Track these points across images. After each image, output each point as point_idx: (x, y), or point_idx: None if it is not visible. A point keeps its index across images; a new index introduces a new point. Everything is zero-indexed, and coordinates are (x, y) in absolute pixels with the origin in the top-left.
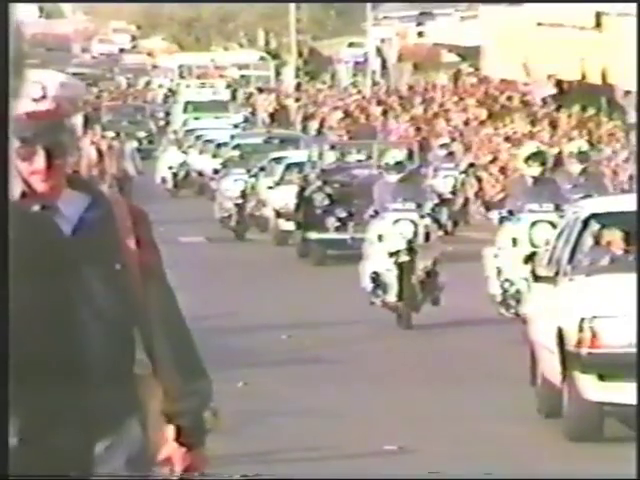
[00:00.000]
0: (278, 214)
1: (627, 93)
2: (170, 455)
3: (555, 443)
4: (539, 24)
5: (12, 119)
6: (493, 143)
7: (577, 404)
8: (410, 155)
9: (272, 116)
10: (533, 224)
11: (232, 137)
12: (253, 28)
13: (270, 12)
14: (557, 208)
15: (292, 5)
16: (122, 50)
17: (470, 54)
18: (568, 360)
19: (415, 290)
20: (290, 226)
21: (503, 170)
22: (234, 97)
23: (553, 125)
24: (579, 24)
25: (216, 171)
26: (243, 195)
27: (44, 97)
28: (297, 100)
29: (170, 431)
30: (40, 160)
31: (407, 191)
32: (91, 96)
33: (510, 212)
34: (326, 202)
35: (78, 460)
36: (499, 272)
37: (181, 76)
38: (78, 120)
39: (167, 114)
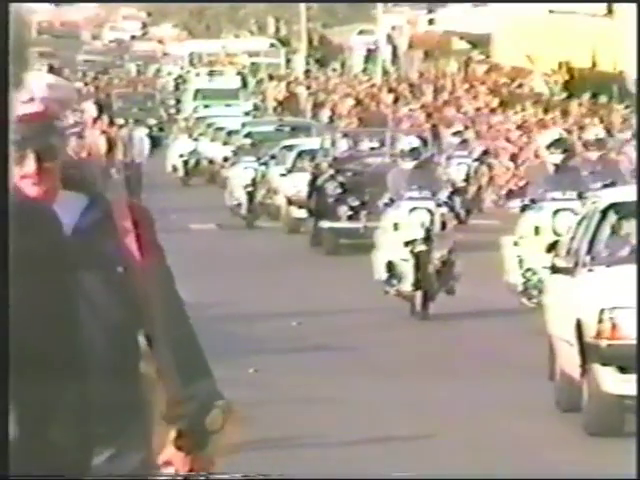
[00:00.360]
0: (290, 202)
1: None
2: (170, 459)
3: (573, 438)
4: (550, 11)
5: (12, 119)
6: (503, 131)
7: (597, 398)
8: (425, 143)
9: (282, 104)
10: (556, 212)
11: (243, 125)
12: (263, 15)
13: None
14: (580, 196)
15: None
16: (133, 37)
17: (481, 42)
18: (587, 352)
19: (431, 279)
20: (302, 214)
21: (514, 158)
22: (245, 85)
23: (564, 113)
24: (590, 11)
25: (226, 159)
26: (254, 183)
27: (32, 99)
28: (308, 88)
29: (170, 434)
30: (30, 164)
31: (422, 179)
32: (102, 83)
33: (532, 200)
34: (338, 191)
35: (76, 459)
36: (520, 261)
37: (191, 63)
38: (91, 108)
39: (178, 102)
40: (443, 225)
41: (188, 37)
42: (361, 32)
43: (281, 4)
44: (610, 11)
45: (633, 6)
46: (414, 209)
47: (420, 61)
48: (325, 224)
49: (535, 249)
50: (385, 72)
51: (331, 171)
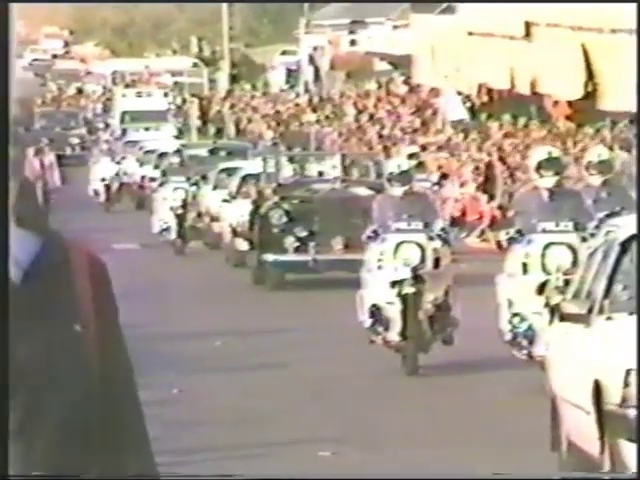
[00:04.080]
0: (235, 232)
1: (555, 103)
2: None
3: None
4: (470, 33)
5: (12, 119)
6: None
7: None
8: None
9: (205, 123)
10: (546, 247)
11: (178, 150)
12: (186, 35)
13: (203, 19)
14: (577, 227)
15: (225, 12)
16: (55, 56)
17: (402, 63)
18: (609, 423)
19: (422, 327)
20: (245, 246)
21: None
22: (175, 106)
23: (484, 134)
24: (509, 33)
25: (153, 179)
26: (184, 205)
27: None
28: (231, 107)
29: None
30: None
31: (413, 207)
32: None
33: (519, 232)
34: (284, 220)
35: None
36: (509, 304)
37: (114, 82)
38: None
39: (106, 125)
40: (436, 262)
41: (111, 55)
42: (284, 52)
43: (204, 23)
44: (528, 34)
45: (633, 6)
46: (401, 243)
47: (342, 81)
48: (269, 257)
49: (524, 290)
50: (307, 91)
51: (275, 198)
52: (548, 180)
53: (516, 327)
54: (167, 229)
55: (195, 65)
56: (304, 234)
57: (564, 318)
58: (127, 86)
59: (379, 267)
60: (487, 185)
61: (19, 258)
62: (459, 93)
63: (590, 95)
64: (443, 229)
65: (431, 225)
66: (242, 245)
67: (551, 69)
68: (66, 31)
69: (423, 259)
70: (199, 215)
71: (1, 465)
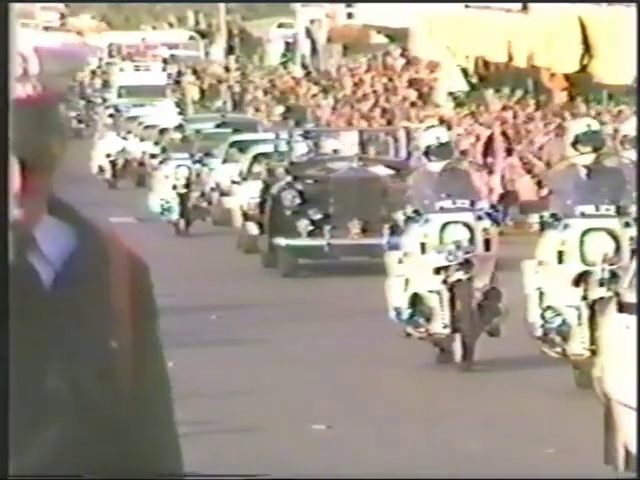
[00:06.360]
0: (246, 216)
1: (552, 76)
2: None
3: None
4: (467, 6)
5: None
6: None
7: None
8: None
9: (202, 96)
10: (584, 233)
11: (180, 125)
12: (182, 7)
13: None
14: (619, 211)
15: None
16: (46, 29)
17: (399, 35)
18: None
19: (473, 318)
20: (256, 229)
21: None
22: (174, 81)
23: (482, 107)
24: (506, 6)
25: (153, 156)
26: (188, 184)
27: (25, 75)
28: (227, 80)
29: None
30: (12, 176)
31: (455, 184)
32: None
33: (554, 216)
34: (297, 201)
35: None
36: (541, 295)
37: (110, 55)
38: None
39: (104, 100)
40: (487, 244)
41: (107, 28)
42: (280, 25)
43: None
44: (525, 7)
45: (632, 6)
46: (447, 224)
47: (339, 54)
48: (281, 241)
49: (558, 281)
50: (304, 65)
51: (288, 178)
52: (586, 157)
53: (549, 322)
54: (168, 209)
55: (192, 38)
56: (319, 217)
57: (623, 309)
58: (124, 59)
59: (422, 251)
60: (485, 159)
61: (50, 253)
62: (457, 65)
63: (587, 68)
64: (493, 206)
65: (478, 203)
66: (253, 229)
67: (548, 42)
68: (62, 4)
69: (472, 241)
70: (202, 195)
71: (1, 465)
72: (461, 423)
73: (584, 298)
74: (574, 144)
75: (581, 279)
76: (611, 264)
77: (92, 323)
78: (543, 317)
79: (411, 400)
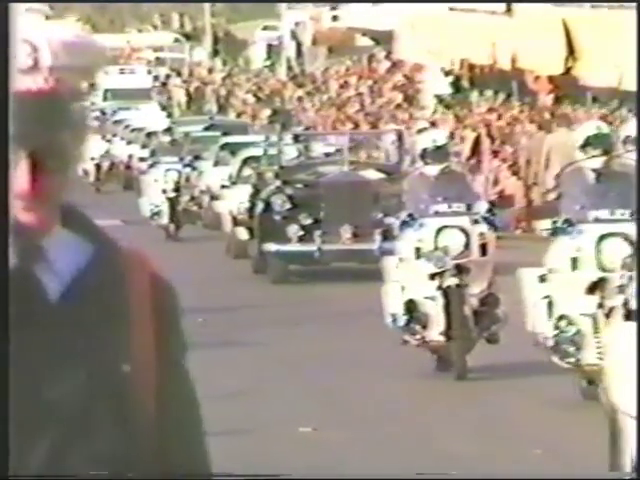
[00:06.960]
0: (235, 222)
1: (536, 78)
2: None
3: None
4: (451, 9)
5: (12, 118)
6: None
7: None
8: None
9: (189, 99)
10: (600, 239)
11: (168, 129)
12: (167, 10)
13: None
14: (633, 215)
15: None
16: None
17: (384, 38)
18: None
19: (469, 324)
20: (245, 235)
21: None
22: (160, 83)
23: (467, 110)
24: (490, 9)
25: (142, 159)
26: (177, 187)
27: (36, 66)
28: (212, 83)
29: None
30: (22, 175)
31: (451, 188)
32: None
33: (567, 221)
34: (287, 206)
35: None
36: (550, 304)
37: None
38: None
39: (91, 103)
40: (483, 249)
41: (92, 31)
42: (265, 28)
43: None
44: (509, 9)
45: (633, 6)
46: (443, 228)
47: (324, 57)
48: (271, 247)
49: (572, 289)
50: (289, 68)
51: (277, 182)
52: (595, 160)
53: (563, 331)
54: (158, 213)
55: (176, 40)
56: (309, 222)
57: (630, 317)
58: (108, 62)
59: (417, 256)
60: (469, 161)
61: (59, 268)
62: (441, 69)
63: (571, 70)
64: (490, 210)
65: (474, 207)
66: (242, 234)
67: (532, 44)
68: (46, 6)
69: (468, 246)
70: (192, 198)
71: (1, 465)
72: (453, 426)
73: (600, 306)
74: (583, 146)
75: (597, 286)
76: (630, 270)
77: (100, 342)
78: (557, 327)
79: (400, 403)
